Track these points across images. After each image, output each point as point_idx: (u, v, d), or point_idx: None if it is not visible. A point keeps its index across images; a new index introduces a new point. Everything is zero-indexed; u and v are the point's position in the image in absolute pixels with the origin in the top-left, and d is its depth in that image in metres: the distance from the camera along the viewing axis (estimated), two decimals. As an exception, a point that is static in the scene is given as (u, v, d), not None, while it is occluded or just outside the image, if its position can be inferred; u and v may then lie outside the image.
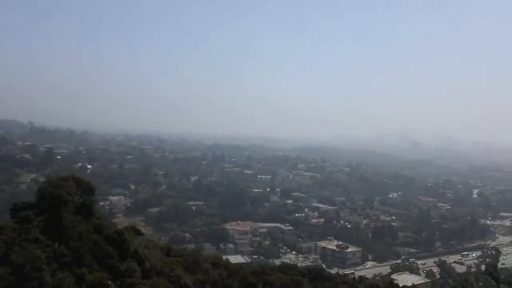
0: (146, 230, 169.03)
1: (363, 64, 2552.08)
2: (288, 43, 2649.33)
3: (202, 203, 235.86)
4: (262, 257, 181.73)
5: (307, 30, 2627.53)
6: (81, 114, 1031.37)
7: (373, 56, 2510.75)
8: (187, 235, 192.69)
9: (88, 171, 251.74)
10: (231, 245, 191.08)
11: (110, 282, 32.51)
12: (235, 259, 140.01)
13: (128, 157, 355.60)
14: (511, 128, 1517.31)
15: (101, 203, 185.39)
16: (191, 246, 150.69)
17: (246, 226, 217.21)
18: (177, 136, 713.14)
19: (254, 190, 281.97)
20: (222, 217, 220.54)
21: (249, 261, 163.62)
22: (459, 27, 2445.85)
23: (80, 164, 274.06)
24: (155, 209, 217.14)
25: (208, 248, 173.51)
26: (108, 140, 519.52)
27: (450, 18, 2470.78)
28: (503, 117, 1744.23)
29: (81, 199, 41.02)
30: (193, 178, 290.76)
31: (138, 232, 50.29)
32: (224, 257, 67.35)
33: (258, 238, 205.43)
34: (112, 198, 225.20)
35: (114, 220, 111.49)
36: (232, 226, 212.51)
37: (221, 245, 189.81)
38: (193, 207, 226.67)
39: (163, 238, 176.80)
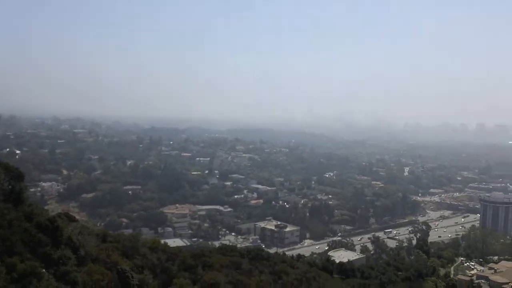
0: (80, 216, 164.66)
1: (299, 45, 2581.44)
2: (225, 23, 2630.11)
3: (139, 187, 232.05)
4: (201, 240, 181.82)
5: (241, 10, 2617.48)
6: (8, 97, 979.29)
7: (308, 37, 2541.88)
8: (124, 220, 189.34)
9: (16, 157, 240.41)
10: (169, 229, 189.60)
11: (43, 271, 31.16)
12: (174, 242, 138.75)
13: (59, 141, 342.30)
14: (438, 108, 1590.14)
15: (31, 190, 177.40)
16: (128, 231, 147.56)
17: (185, 209, 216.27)
18: (111, 119, 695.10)
19: (193, 173, 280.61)
20: (160, 200, 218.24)
21: (189, 244, 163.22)
22: (387, 12, 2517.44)
23: (8, 149, 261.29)
24: (90, 195, 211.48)
25: (146, 233, 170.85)
26: (37, 124, 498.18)
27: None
28: (428, 98, 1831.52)
29: (10, 186, 38.86)
30: (129, 162, 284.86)
31: (71, 219, 48.50)
32: (162, 241, 66.41)
33: (197, 221, 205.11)
34: (43, 184, 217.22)
35: (46, 207, 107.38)
36: (170, 210, 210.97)
37: (159, 229, 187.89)
38: (130, 192, 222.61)
39: (98, 224, 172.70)
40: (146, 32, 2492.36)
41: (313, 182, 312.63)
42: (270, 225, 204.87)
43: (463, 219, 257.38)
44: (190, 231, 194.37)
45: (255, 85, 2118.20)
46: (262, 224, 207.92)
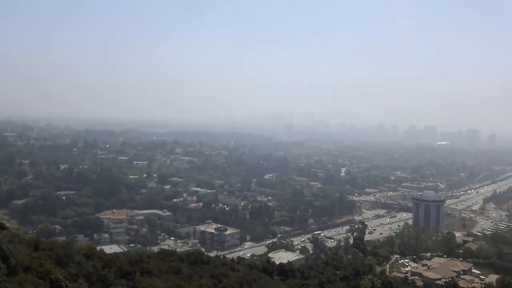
0: (10, 224, 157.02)
1: (241, 45, 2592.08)
2: (161, 22, 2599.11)
3: (73, 192, 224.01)
4: (139, 245, 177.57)
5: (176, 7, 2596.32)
6: None
7: (250, 38, 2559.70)
8: (58, 227, 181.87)
9: None
10: (106, 235, 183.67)
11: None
12: (111, 249, 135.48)
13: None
14: (372, 110, 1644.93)
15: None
16: (62, 238, 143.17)
17: (122, 214, 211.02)
18: (43, 122, 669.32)
19: (130, 177, 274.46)
20: (96, 206, 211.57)
21: (126, 250, 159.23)
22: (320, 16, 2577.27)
23: None
24: (21, 201, 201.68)
25: (81, 240, 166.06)
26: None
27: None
28: (363, 100, 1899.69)
29: None
30: (63, 167, 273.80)
31: (1, 226, 46.41)
32: (98, 248, 64.60)
33: (135, 226, 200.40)
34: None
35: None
36: (107, 215, 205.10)
37: (95, 235, 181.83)
38: (64, 197, 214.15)
39: (30, 232, 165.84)
40: (77, 30, 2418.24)
41: (253, 184, 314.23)
42: (210, 228, 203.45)
43: (389, 220, 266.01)
44: (127, 237, 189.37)
45: (194, 86, 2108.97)
46: (202, 227, 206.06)
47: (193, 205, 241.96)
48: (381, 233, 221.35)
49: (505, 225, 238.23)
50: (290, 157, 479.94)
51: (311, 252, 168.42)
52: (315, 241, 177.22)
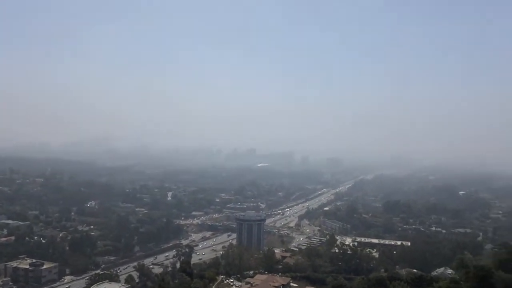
0: None
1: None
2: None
3: None
4: None
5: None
6: None
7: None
8: None
9: None
10: None
11: None
12: None
13: None
14: (197, 134, 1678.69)
15: None
16: None
17: None
18: None
19: None
20: None
21: None
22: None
23: None
24: None
25: None
26: None
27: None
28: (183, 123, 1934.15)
29: None
30: None
31: None
32: None
33: None
34: None
35: None
36: None
37: None
38: None
39: None
40: None
41: (73, 213, 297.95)
42: (24, 264, 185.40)
43: (213, 241, 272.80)
44: None
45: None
46: (14, 263, 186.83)
47: (3, 239, 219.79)
48: (204, 254, 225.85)
49: (318, 239, 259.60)
50: (114, 183, 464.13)
51: (137, 280, 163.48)
52: (141, 269, 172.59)
